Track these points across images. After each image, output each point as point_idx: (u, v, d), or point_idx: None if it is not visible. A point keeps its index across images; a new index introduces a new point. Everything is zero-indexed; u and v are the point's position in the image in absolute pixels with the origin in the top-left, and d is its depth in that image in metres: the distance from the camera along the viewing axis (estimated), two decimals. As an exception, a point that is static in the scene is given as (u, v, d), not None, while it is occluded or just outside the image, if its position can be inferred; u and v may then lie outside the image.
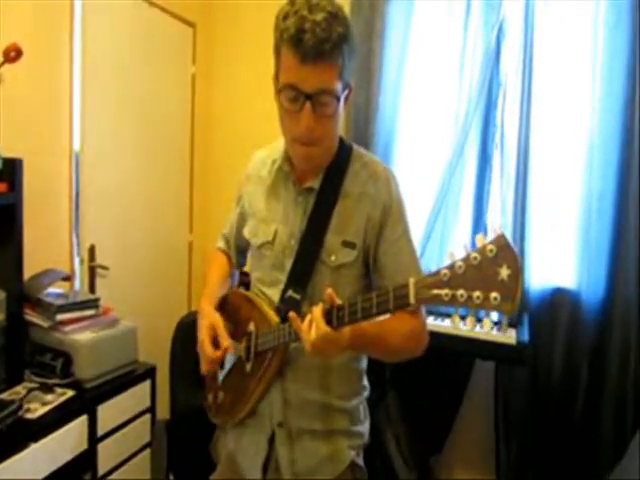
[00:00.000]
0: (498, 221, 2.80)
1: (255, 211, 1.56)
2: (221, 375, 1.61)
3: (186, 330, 2.20)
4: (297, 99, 1.26)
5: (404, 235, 1.45)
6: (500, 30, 2.78)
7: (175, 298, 3.54)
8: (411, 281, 1.06)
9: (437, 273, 1.01)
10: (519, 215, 2.73)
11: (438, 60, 2.93)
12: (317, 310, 1.21)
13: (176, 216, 3.52)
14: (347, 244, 1.41)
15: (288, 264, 1.45)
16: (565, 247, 2.73)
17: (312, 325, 1.20)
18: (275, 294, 1.48)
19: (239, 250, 1.77)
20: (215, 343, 1.49)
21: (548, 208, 2.74)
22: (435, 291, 1.01)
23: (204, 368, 1.52)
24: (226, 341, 1.45)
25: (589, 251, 2.65)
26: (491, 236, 0.95)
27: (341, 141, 1.47)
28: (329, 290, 1.21)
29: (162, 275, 3.38)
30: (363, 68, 2.96)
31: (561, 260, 2.74)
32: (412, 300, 1.05)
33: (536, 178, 2.74)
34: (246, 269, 1.78)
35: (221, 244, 1.80)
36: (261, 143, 1.67)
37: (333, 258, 1.41)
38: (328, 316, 1.20)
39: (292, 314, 1.25)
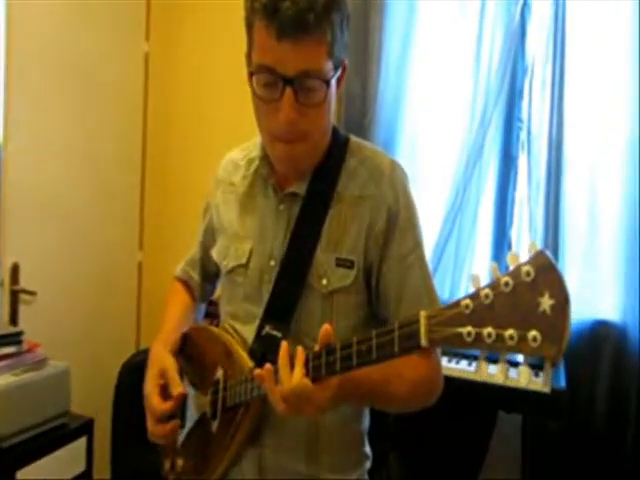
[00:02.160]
0: (525, 238, 2.76)
1: (225, 226, 1.52)
2: (181, 436, 1.52)
3: (133, 373, 2.28)
4: (275, 84, 1.22)
5: (415, 250, 1.38)
6: (525, 4, 2.75)
7: (120, 332, 3.48)
8: (422, 315, 0.97)
9: (456, 304, 0.94)
10: (551, 230, 2.67)
11: (451, 40, 2.89)
12: (299, 353, 1.14)
13: (123, 229, 3.48)
14: (343, 262, 1.36)
15: (266, 293, 1.40)
16: (607, 270, 2.66)
17: (284, 373, 1.13)
18: (251, 332, 1.41)
19: (208, 277, 1.72)
20: (166, 394, 1.41)
21: (586, 222, 2.68)
22: (454, 329, 0.93)
23: (150, 430, 1.42)
24: (178, 387, 1.38)
25: (636, 275, 2.58)
26: (527, 254, 0.87)
27: (334, 132, 1.43)
28: (327, 326, 1.13)
29: (104, 303, 3.33)
30: (359, 49, 2.91)
31: (603, 286, 2.67)
32: (423, 341, 0.97)
33: (571, 185, 2.67)
34: (214, 297, 1.76)
35: (180, 272, 1.74)
36: (231, 140, 1.65)
37: (325, 282, 1.35)
38: (316, 361, 1.13)
39: (257, 371, 1.17)
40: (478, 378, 2.31)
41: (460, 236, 2.86)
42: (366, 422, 1.52)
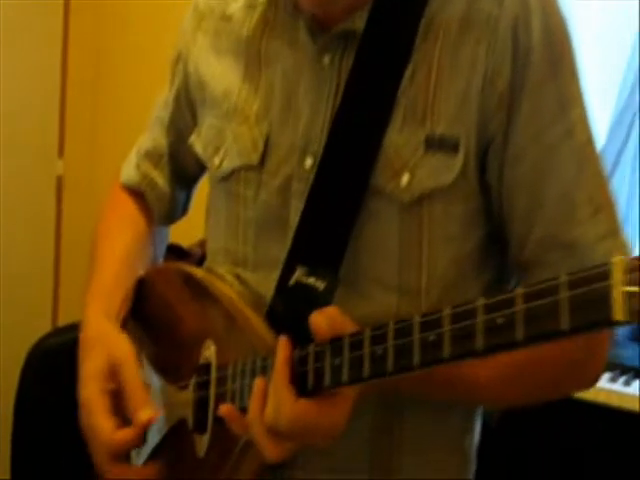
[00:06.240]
0: None
1: (216, 94, 1.19)
2: (138, 459, 1.23)
3: (46, 362, 1.88)
4: None
5: (566, 115, 0.97)
6: None
7: (25, 297, 3.12)
8: (617, 262, 0.64)
9: None
10: None
11: None
12: (281, 352, 0.90)
13: (33, 127, 3.11)
14: (438, 143, 1.00)
15: (296, 216, 1.07)
16: None
17: (267, 393, 0.91)
18: (265, 282, 1.10)
19: (181, 182, 1.40)
20: (118, 406, 1.10)
21: None
22: None
23: (104, 469, 1.13)
24: (143, 405, 1.08)
25: None
26: None
27: None
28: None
29: (2, 243, 2.99)
30: None
31: None
32: (618, 313, 0.62)
33: None
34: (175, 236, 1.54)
35: (130, 175, 1.40)
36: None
37: (406, 180, 1.00)
38: (335, 356, 0.86)
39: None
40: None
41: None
42: (475, 436, 1.21)
